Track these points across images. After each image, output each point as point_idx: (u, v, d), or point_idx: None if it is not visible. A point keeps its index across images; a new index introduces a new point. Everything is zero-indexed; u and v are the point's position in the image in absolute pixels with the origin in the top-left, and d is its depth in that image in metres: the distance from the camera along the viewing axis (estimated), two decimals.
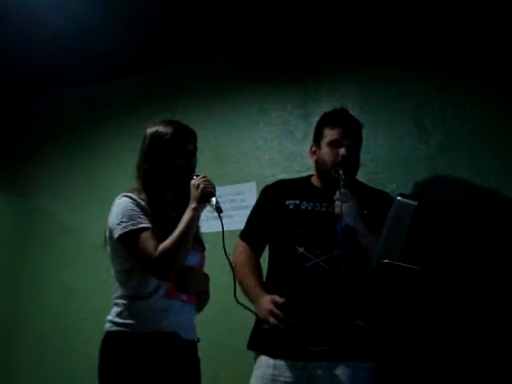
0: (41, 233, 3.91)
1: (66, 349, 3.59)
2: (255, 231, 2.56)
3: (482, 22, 2.85)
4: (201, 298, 2.29)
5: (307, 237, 2.39)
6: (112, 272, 2.19)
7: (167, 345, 2.08)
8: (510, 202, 2.66)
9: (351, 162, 2.43)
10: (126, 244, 2.07)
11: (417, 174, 2.88)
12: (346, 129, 2.46)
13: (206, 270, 2.35)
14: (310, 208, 2.46)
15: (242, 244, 2.53)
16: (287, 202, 2.48)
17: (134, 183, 2.21)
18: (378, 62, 3.09)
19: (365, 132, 3.05)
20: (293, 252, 2.38)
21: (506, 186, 2.70)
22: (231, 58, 3.54)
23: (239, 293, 2.32)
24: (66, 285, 3.71)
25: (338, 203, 2.34)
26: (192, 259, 2.18)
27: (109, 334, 2.10)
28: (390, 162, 2.96)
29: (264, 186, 2.66)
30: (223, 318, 3.08)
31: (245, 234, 2.56)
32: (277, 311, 2.27)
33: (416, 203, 1.44)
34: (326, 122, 2.52)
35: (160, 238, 2.06)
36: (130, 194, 2.15)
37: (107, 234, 2.17)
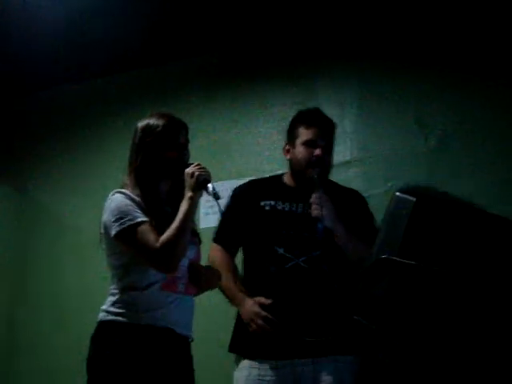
0: (41, 228, 3.91)
1: (65, 346, 3.59)
2: (229, 233, 2.52)
3: (482, 21, 2.86)
4: (203, 290, 2.30)
5: (286, 238, 2.39)
6: (108, 267, 2.18)
7: (160, 338, 2.06)
8: (510, 199, 2.67)
9: (325, 162, 2.45)
10: (125, 240, 2.06)
11: (416, 172, 2.88)
12: (321, 129, 2.46)
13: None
14: (286, 209, 2.45)
15: (217, 247, 2.51)
16: (262, 203, 2.47)
17: (126, 178, 2.19)
18: (377, 59, 3.09)
19: (364, 129, 3.07)
20: (272, 253, 2.38)
21: (506, 183, 2.70)
22: (232, 54, 3.54)
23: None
24: (66, 280, 3.71)
25: (315, 206, 2.35)
26: (190, 252, 2.18)
27: (101, 323, 2.09)
28: (389, 159, 2.97)
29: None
30: (219, 314, 3.08)
31: (218, 237, 2.53)
32: (264, 313, 2.29)
33: (414, 199, 1.44)
34: (301, 121, 2.52)
35: (157, 230, 2.05)
36: (123, 190, 2.13)
37: (102, 231, 2.15)
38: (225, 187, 3.24)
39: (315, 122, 2.48)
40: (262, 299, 2.32)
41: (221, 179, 3.24)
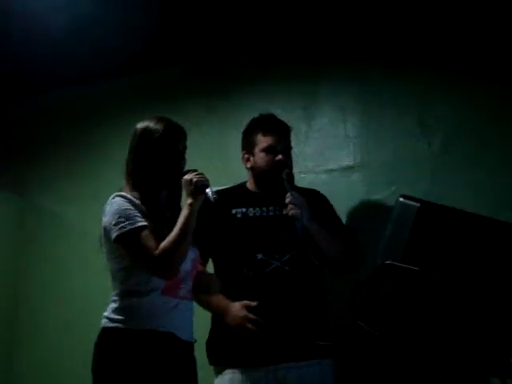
0: (43, 231, 3.91)
1: (69, 350, 3.58)
2: (199, 244, 2.48)
3: (484, 22, 2.85)
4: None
5: (263, 242, 2.41)
6: (109, 271, 2.18)
7: (162, 344, 2.07)
8: None
9: (288, 165, 2.50)
10: (125, 244, 2.06)
11: (419, 176, 2.88)
12: (278, 134, 2.53)
13: None
14: (257, 214, 2.49)
15: None
16: (234, 211, 2.50)
17: (124, 182, 2.20)
18: (380, 63, 3.09)
19: (367, 133, 3.06)
20: (252, 259, 2.39)
21: (510, 187, 2.70)
22: (232, 59, 3.54)
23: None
24: (67, 283, 3.70)
25: (292, 206, 2.37)
26: (191, 253, 2.17)
27: (104, 330, 2.10)
28: (391, 163, 2.96)
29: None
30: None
31: None
32: (252, 316, 2.29)
33: (418, 205, 1.45)
34: (256, 128, 2.57)
35: (157, 236, 2.05)
36: (123, 193, 2.13)
37: (102, 234, 2.15)
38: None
39: (271, 128, 2.54)
40: (248, 302, 2.33)
41: (220, 185, 3.24)
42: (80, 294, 3.63)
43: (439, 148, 2.87)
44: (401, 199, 1.49)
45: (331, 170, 3.09)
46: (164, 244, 2.04)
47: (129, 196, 2.12)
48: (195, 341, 2.22)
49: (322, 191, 2.73)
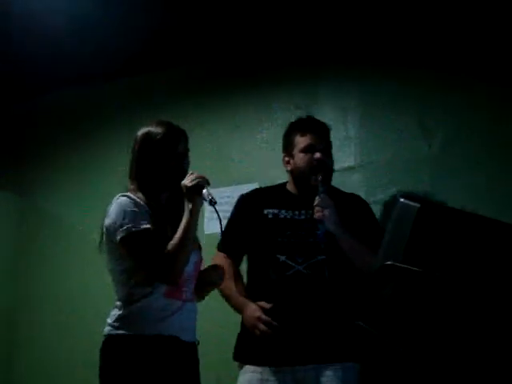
0: (42, 232, 3.91)
1: (68, 350, 3.59)
2: (233, 241, 2.54)
3: (483, 23, 2.86)
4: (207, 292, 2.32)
5: (288, 245, 2.40)
6: (110, 274, 2.18)
7: (167, 348, 2.07)
8: None
9: (327, 164, 2.46)
10: (129, 246, 2.06)
11: (419, 177, 2.88)
12: (316, 134, 2.49)
13: None
14: (288, 216, 2.47)
15: (221, 255, 2.53)
16: (266, 212, 2.48)
17: (128, 184, 2.20)
18: (380, 64, 3.09)
19: (367, 134, 3.07)
20: (274, 261, 2.39)
21: (509, 187, 2.70)
22: (234, 60, 3.54)
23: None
24: (68, 284, 3.71)
25: (318, 208, 2.35)
26: (193, 257, 2.18)
27: (109, 337, 2.10)
28: (392, 164, 2.97)
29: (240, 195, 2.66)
30: (224, 318, 3.08)
31: (223, 245, 2.55)
32: (265, 317, 2.29)
33: (418, 205, 1.44)
34: (295, 130, 2.54)
35: (161, 239, 2.06)
36: (128, 194, 2.13)
37: (105, 235, 2.15)
38: (227, 194, 3.25)
39: (310, 128, 2.51)
40: (263, 303, 2.33)
41: (223, 185, 3.25)
42: (79, 295, 3.64)
43: (439, 149, 2.87)
44: (401, 199, 1.49)
45: None
46: (167, 249, 2.04)
47: (133, 197, 2.12)
48: (198, 342, 2.22)
49: None
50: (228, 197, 3.22)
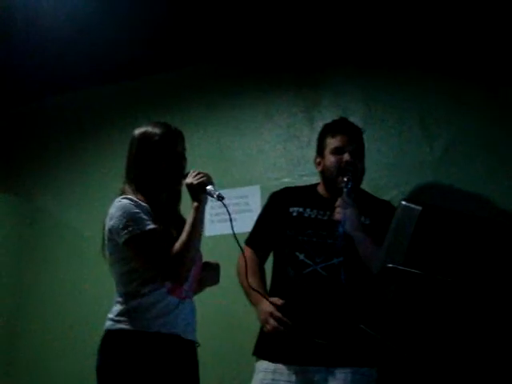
0: (44, 234, 3.91)
1: (71, 352, 3.58)
2: (260, 237, 2.58)
3: (485, 25, 2.86)
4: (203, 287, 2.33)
5: (308, 244, 2.41)
6: (112, 274, 2.18)
7: (168, 345, 2.07)
8: None
9: (356, 167, 2.45)
10: (135, 247, 2.06)
11: (421, 179, 2.88)
12: (347, 135, 2.49)
13: None
14: (312, 216, 2.47)
15: (248, 249, 2.54)
16: (291, 210, 2.50)
17: (125, 186, 2.19)
18: (382, 67, 3.09)
19: (369, 137, 3.06)
20: (293, 259, 2.40)
21: (510, 192, 2.70)
22: (237, 62, 3.54)
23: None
24: (68, 287, 3.71)
25: (338, 209, 2.36)
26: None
27: (108, 332, 2.10)
28: (394, 166, 2.96)
29: (270, 191, 2.68)
30: (227, 320, 3.08)
31: (250, 240, 2.58)
32: (277, 313, 2.29)
33: (421, 208, 1.44)
34: (327, 131, 2.55)
35: (166, 238, 2.06)
36: (129, 196, 2.12)
37: (107, 237, 2.15)
38: (230, 195, 3.25)
39: (340, 129, 2.51)
40: (275, 299, 2.33)
41: (226, 187, 3.25)
42: (80, 296, 3.64)
43: (441, 151, 2.87)
44: (403, 202, 1.49)
45: None
46: (174, 248, 2.05)
47: (135, 199, 2.12)
48: (198, 345, 2.22)
49: None
50: (230, 198, 3.23)
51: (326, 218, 2.45)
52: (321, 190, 2.57)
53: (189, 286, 2.18)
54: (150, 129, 2.21)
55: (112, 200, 2.18)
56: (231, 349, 3.08)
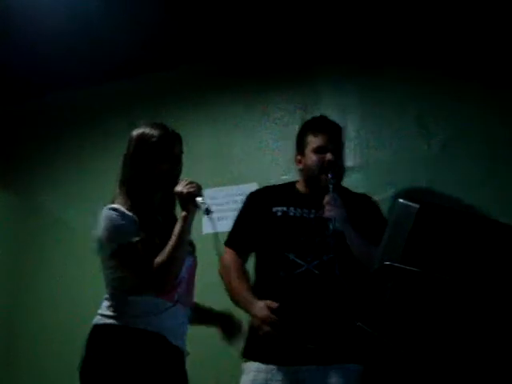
0: (42, 234, 3.91)
1: (67, 348, 3.58)
2: (241, 238, 2.54)
3: (483, 24, 2.86)
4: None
5: (297, 243, 2.40)
6: (104, 277, 2.18)
7: (152, 343, 2.06)
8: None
9: (338, 166, 2.47)
10: (119, 260, 2.07)
11: (419, 177, 2.88)
12: (328, 134, 2.50)
13: (201, 271, 2.33)
14: (298, 215, 2.47)
15: (228, 250, 2.52)
16: (274, 209, 2.49)
17: (117, 191, 2.18)
18: (379, 64, 3.10)
19: (366, 134, 3.07)
20: (283, 259, 2.39)
21: (510, 186, 2.70)
22: (234, 60, 3.54)
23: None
24: (66, 287, 3.70)
25: (328, 207, 2.36)
26: (186, 261, 2.17)
27: (95, 327, 2.11)
28: (391, 164, 2.97)
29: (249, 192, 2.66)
30: None
31: (230, 241, 2.55)
32: (272, 316, 2.29)
33: (418, 206, 1.44)
34: (307, 129, 2.55)
35: (149, 247, 2.05)
36: (115, 206, 2.11)
37: (97, 245, 2.14)
38: (226, 193, 3.26)
39: (322, 128, 2.52)
40: (270, 302, 2.33)
41: (223, 185, 3.25)
42: (79, 296, 3.63)
43: (438, 149, 2.88)
44: (400, 200, 1.49)
45: None
46: (158, 259, 2.04)
47: (121, 209, 2.10)
48: (188, 354, 2.20)
49: None
50: (228, 196, 3.23)
51: (312, 216, 2.45)
52: (300, 187, 2.56)
53: (183, 290, 2.17)
54: (147, 130, 2.20)
55: (109, 200, 2.18)
56: (229, 349, 3.08)
